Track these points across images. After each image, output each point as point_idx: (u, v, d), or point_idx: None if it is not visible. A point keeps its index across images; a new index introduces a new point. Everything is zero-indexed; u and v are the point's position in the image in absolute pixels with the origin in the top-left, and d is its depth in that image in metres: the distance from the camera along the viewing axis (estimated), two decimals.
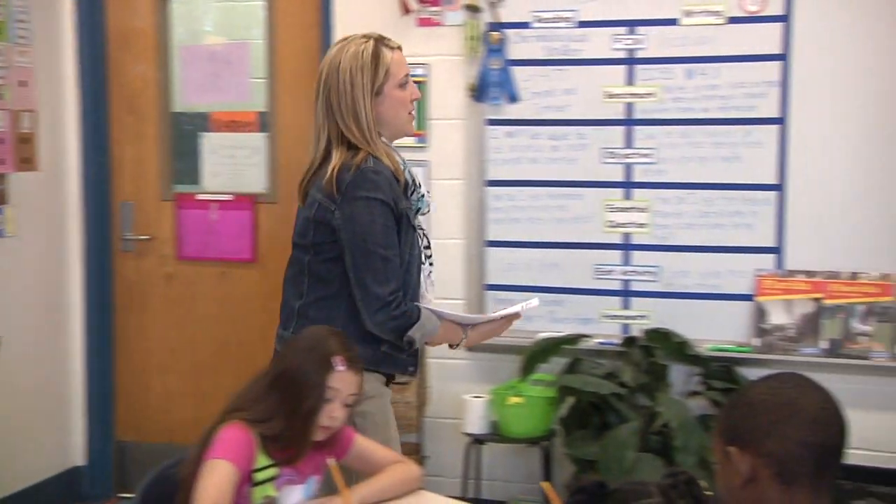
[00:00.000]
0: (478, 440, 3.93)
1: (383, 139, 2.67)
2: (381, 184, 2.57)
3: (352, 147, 2.62)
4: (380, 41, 2.66)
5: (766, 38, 3.74)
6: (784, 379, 1.82)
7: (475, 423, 3.90)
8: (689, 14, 3.81)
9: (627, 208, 3.95)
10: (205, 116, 4.51)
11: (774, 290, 3.77)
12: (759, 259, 3.81)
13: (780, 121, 3.76)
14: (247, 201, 4.44)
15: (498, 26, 4.00)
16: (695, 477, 1.97)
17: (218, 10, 4.58)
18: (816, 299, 3.71)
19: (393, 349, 2.65)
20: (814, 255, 3.75)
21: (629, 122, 3.92)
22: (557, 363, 3.90)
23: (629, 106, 3.92)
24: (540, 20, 3.98)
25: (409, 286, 2.67)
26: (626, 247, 3.96)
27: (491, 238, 4.10)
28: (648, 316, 3.93)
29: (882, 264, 3.67)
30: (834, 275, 3.71)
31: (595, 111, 3.95)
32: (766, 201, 3.79)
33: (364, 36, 2.67)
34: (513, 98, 4.01)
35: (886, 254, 3.67)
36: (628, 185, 3.94)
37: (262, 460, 2.23)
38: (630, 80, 3.91)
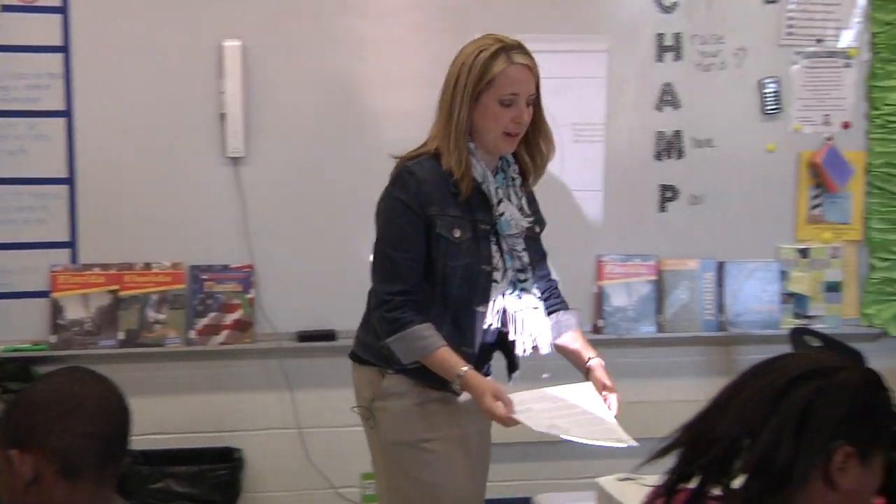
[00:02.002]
0: None
1: (472, 145, 2.56)
2: (410, 185, 2.53)
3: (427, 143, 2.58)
4: (506, 49, 2.51)
5: (46, 29, 3.68)
6: (65, 374, 1.82)
7: None
8: None
9: None
10: None
11: (70, 286, 3.73)
12: (54, 254, 3.76)
13: (65, 113, 3.73)
14: None
15: None
16: None
17: None
18: (113, 291, 3.75)
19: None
20: (108, 248, 3.77)
21: None
22: None
23: None
24: None
25: (447, 298, 2.55)
26: None
27: None
28: None
29: (172, 254, 3.80)
30: (128, 266, 3.77)
31: None
32: (57, 195, 3.74)
33: (497, 39, 2.54)
34: None
35: (176, 243, 3.80)
36: None
37: None
38: None
